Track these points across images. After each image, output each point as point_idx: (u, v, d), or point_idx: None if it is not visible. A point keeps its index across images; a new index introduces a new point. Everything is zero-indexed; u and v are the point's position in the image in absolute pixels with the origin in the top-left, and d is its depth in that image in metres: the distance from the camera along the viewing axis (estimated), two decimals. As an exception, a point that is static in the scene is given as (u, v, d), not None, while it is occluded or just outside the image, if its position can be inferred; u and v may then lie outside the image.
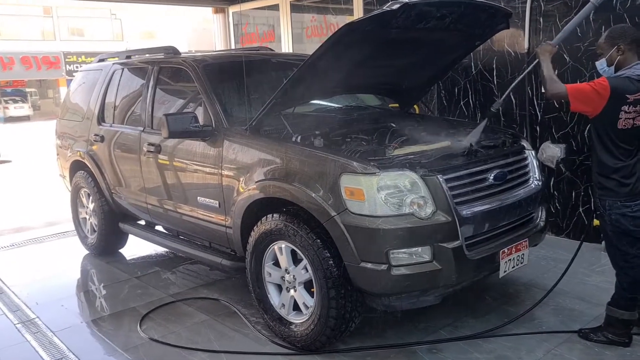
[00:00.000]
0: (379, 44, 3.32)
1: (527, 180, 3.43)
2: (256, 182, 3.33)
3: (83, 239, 5.49)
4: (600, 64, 3.03)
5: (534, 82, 5.00)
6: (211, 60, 4.21)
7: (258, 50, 5.20)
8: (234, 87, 3.97)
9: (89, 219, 5.36)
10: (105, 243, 5.23)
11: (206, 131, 3.67)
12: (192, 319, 3.78)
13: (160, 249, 5.29)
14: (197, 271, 4.77)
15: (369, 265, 2.85)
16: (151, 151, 4.22)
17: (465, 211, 2.94)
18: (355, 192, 2.87)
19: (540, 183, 3.51)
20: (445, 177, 2.92)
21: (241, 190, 3.45)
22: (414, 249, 2.84)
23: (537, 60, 3.25)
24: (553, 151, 4.91)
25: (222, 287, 4.34)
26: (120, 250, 5.44)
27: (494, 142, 3.49)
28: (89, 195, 5.23)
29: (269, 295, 3.44)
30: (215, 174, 3.65)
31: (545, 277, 4.07)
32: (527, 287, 3.96)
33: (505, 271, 3.15)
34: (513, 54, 5.13)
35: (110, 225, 5.10)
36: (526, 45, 5.00)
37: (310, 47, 7.27)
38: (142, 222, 5.04)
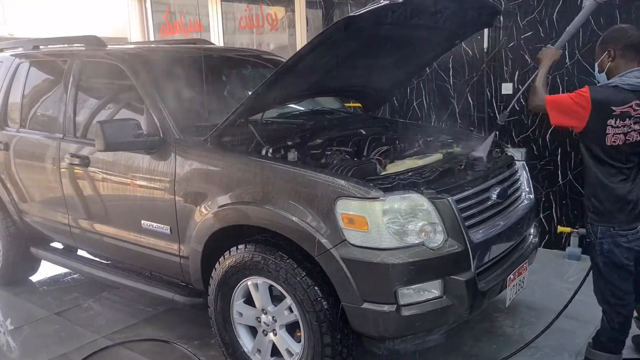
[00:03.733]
0: (365, 42, 2.86)
1: (520, 196, 3.15)
2: (222, 206, 2.76)
3: (-18, 266, 4.55)
4: (595, 70, 2.71)
5: (493, 83, 4.79)
6: (150, 55, 3.53)
7: (195, 43, 4.53)
8: (182, 87, 3.33)
9: (-10, 243, 4.44)
10: (13, 271, 4.37)
11: (152, 142, 3.03)
12: (138, 369, 3.15)
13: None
14: (126, 299, 4.07)
15: (374, 306, 2.41)
16: (75, 164, 3.48)
17: (476, 237, 2.58)
18: (355, 220, 2.40)
19: (532, 197, 3.24)
20: (454, 198, 2.54)
21: (202, 215, 2.86)
22: (423, 285, 2.44)
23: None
24: (514, 156, 4.73)
25: (167, 322, 3.70)
26: (31, 278, 4.59)
27: (492, 158, 3.18)
28: (-11, 214, 4.32)
29: (239, 339, 2.90)
30: (166, 195, 3.02)
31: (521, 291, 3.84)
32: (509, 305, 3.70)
33: (510, 299, 2.85)
34: (471, 53, 4.89)
35: (19, 250, 4.25)
36: (485, 44, 4.77)
37: (243, 39, 6.65)
38: (60, 245, 4.25)
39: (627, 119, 2.46)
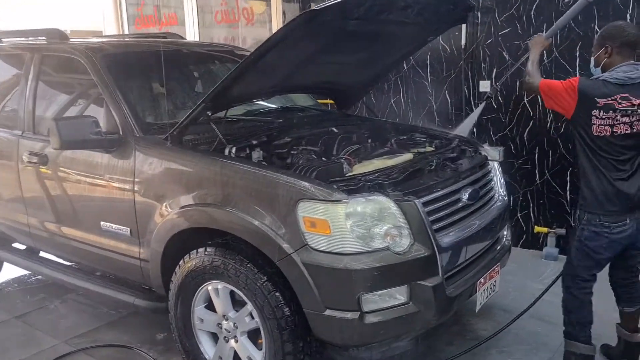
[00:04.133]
0: (332, 37, 2.75)
1: (493, 197, 3.06)
2: (183, 207, 2.64)
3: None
4: (591, 63, 2.74)
5: (471, 80, 4.70)
6: (113, 50, 3.38)
7: (165, 37, 4.38)
8: (145, 84, 3.20)
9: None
10: (-27, 272, 4.21)
11: (111, 140, 2.89)
12: (97, 376, 3.02)
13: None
14: (93, 301, 3.90)
15: (337, 313, 2.31)
16: (34, 162, 3.34)
17: (444, 240, 2.48)
18: (317, 223, 2.30)
19: (505, 198, 3.16)
20: (422, 200, 2.44)
21: (162, 216, 2.74)
22: (388, 291, 2.34)
23: (527, 54, 2.97)
24: (491, 154, 4.64)
25: (132, 325, 3.57)
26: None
27: (456, 154, 3.09)
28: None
29: (200, 346, 2.78)
30: (125, 195, 2.89)
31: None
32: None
33: (480, 304, 2.76)
34: (449, 50, 4.79)
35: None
36: (463, 41, 4.68)
37: (220, 34, 6.50)
38: (22, 246, 4.10)
39: (612, 111, 2.50)
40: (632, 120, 2.51)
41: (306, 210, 2.31)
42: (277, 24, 5.80)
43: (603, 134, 2.54)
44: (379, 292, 2.32)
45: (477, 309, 2.76)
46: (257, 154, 2.84)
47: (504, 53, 4.49)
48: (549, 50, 4.25)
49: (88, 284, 3.30)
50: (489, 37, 4.55)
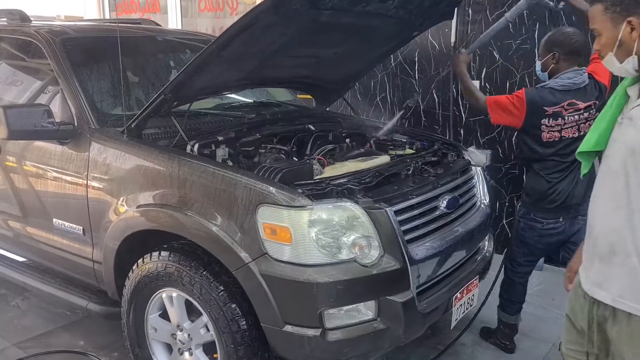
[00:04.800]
0: (304, 28, 2.53)
1: (475, 204, 2.87)
2: (138, 207, 2.43)
3: None
4: (537, 66, 2.87)
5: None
6: (74, 34, 3.15)
7: (139, 23, 4.15)
8: (106, 72, 2.98)
9: None
10: None
11: (65, 131, 2.67)
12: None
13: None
14: (52, 300, 3.68)
15: (297, 329, 2.11)
16: (-14, 152, 3.12)
17: (417, 252, 2.29)
18: (278, 230, 2.09)
19: (488, 206, 2.97)
20: (394, 208, 2.24)
21: (116, 215, 2.53)
22: (354, 306, 2.15)
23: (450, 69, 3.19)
24: (478, 157, 4.43)
25: (88, 329, 3.34)
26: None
27: (437, 157, 2.89)
28: None
29: (153, 357, 2.59)
30: (78, 191, 2.68)
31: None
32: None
33: (456, 319, 2.58)
34: (438, 47, 4.59)
35: None
36: (453, 38, 4.47)
37: (203, 23, 6.26)
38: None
39: (560, 118, 2.66)
40: (579, 124, 2.69)
41: (266, 216, 2.10)
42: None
43: (552, 139, 2.69)
44: (343, 308, 2.12)
45: (452, 325, 2.57)
46: (221, 152, 2.63)
47: (494, 52, 4.29)
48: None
49: (40, 283, 3.08)
50: (480, 34, 4.34)
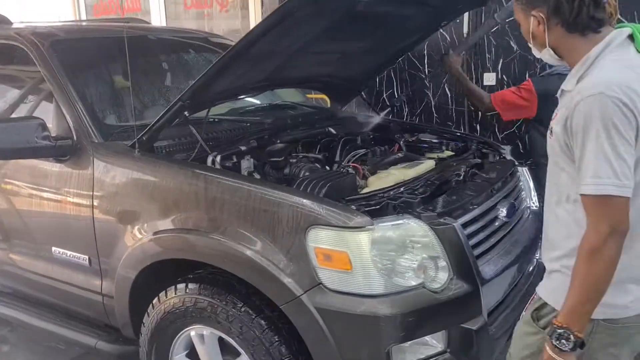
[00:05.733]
0: (337, 19, 2.23)
1: (528, 208, 2.60)
2: (157, 232, 2.09)
3: None
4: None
5: (474, 73, 4.25)
6: (65, 35, 2.78)
7: (128, 22, 3.77)
8: (105, 77, 2.63)
9: None
10: None
11: (63, 147, 2.32)
12: None
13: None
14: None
15: (360, 370, 1.81)
16: (-31, 173, 2.72)
17: (486, 270, 2.01)
18: (333, 256, 1.79)
19: (538, 208, 2.71)
20: (460, 222, 1.95)
21: (129, 242, 2.18)
22: (422, 339, 1.86)
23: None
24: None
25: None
26: None
27: (481, 159, 2.63)
28: None
29: (180, 403, 2.25)
30: (82, 216, 2.32)
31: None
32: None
33: (520, 341, 2.30)
34: (449, 39, 4.32)
35: None
36: (465, 29, 4.21)
37: (190, 24, 5.88)
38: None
39: None
40: None
41: (319, 240, 1.79)
42: (255, 11, 5.23)
43: None
44: (411, 342, 1.82)
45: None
46: (246, 164, 2.32)
47: (511, 42, 4.04)
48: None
49: (38, 320, 2.70)
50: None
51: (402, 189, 2.04)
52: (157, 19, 5.83)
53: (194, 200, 2.02)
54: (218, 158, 2.24)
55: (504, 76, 4.11)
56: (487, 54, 4.17)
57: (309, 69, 2.78)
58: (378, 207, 1.91)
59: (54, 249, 2.48)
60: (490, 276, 2.00)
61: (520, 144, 4.15)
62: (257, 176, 2.30)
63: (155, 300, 2.16)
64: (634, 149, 1.29)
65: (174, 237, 2.05)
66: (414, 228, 1.85)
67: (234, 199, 1.94)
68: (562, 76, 2.32)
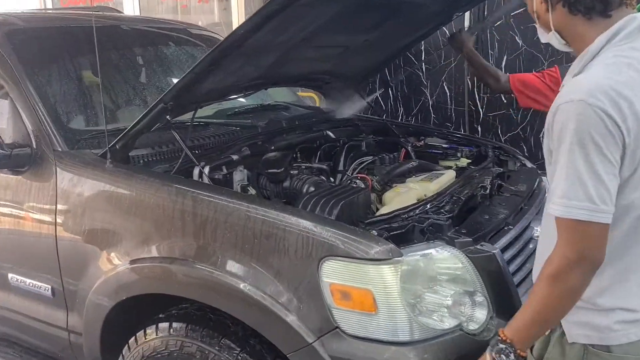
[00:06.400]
0: (346, 7, 1.90)
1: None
2: (135, 260, 1.74)
3: None
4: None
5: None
6: (22, 24, 2.39)
7: (98, 12, 3.36)
8: (70, 74, 2.25)
9: None
10: None
11: (20, 157, 1.94)
12: None
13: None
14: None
15: None
16: None
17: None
18: (353, 294, 1.47)
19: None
20: (500, 246, 1.65)
21: (101, 271, 1.82)
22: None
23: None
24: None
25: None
26: None
27: (503, 168, 2.34)
28: None
29: None
30: (43, 238, 1.96)
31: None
32: None
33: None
34: (448, 33, 4.00)
35: None
36: (467, 22, 3.92)
37: (162, 13, 5.48)
38: None
39: None
40: None
41: (335, 275, 1.47)
42: (237, 3, 4.86)
43: None
44: (446, 396, 1.52)
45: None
46: (239, 176, 1.99)
47: (516, 38, 3.77)
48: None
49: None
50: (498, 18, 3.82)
51: (426, 207, 1.73)
52: (130, 11, 5.41)
53: (179, 223, 1.67)
54: (206, 169, 1.90)
55: (508, 73, 3.83)
56: (489, 50, 3.90)
57: (307, 66, 2.45)
58: (402, 230, 1.59)
59: (10, 275, 2.11)
60: (531, 310, 1.70)
61: (524, 147, 3.89)
62: (253, 191, 1.96)
63: (131, 340, 1.81)
64: (618, 168, 1.09)
65: (156, 268, 1.70)
66: (447, 257, 1.54)
67: (229, 222, 1.60)
68: None
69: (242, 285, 1.55)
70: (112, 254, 1.80)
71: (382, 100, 4.39)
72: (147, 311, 1.82)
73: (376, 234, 1.53)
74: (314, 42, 2.12)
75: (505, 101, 3.88)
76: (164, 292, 1.70)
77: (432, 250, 1.53)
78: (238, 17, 4.84)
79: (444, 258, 1.53)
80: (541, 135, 3.80)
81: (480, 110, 4.01)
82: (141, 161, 1.95)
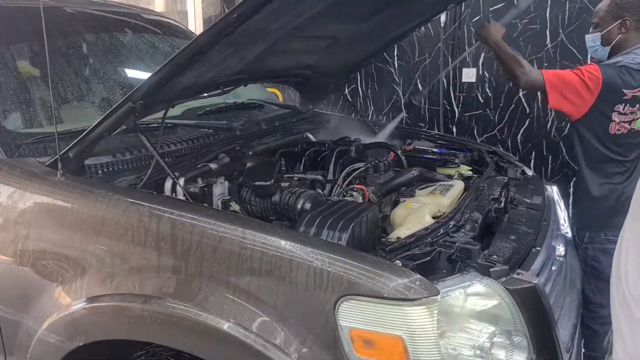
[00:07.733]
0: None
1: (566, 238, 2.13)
2: (94, 298, 1.40)
3: None
4: (593, 40, 2.25)
5: (451, 68, 3.78)
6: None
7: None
8: (6, 64, 1.86)
9: None
10: None
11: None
12: None
13: None
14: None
15: None
16: None
17: (563, 335, 1.49)
18: (378, 342, 1.19)
19: (569, 235, 2.25)
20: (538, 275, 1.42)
21: (51, 309, 1.47)
22: None
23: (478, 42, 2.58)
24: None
25: None
26: None
27: (507, 178, 2.13)
28: None
29: None
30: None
31: None
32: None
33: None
34: (423, 28, 3.82)
35: None
36: (443, 18, 3.71)
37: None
38: None
39: (638, 104, 2.17)
40: None
41: (355, 318, 1.19)
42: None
43: (620, 132, 2.18)
44: None
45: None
46: (220, 189, 1.67)
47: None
48: (555, 33, 3.44)
49: None
50: (476, 14, 3.64)
51: (449, 227, 1.48)
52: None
53: (153, 253, 1.34)
54: (181, 181, 1.57)
55: (485, 72, 3.67)
56: (466, 47, 3.71)
57: (291, 59, 2.15)
58: (428, 257, 1.34)
59: None
60: (567, 342, 1.49)
61: (502, 148, 3.73)
62: (236, 207, 1.65)
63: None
64: None
65: (123, 309, 1.36)
66: (484, 292, 1.29)
67: (219, 251, 1.29)
68: (629, 69, 2.11)
69: (236, 332, 1.24)
70: (63, 291, 1.45)
71: (351, 97, 4.14)
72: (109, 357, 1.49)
73: (401, 265, 1.26)
74: (305, 31, 1.83)
75: (482, 101, 3.71)
76: (134, 338, 1.36)
77: (469, 284, 1.28)
78: (194, 5, 4.45)
79: (482, 293, 1.29)
80: (519, 136, 3.67)
81: (456, 109, 3.82)
82: (99, 172, 1.60)
